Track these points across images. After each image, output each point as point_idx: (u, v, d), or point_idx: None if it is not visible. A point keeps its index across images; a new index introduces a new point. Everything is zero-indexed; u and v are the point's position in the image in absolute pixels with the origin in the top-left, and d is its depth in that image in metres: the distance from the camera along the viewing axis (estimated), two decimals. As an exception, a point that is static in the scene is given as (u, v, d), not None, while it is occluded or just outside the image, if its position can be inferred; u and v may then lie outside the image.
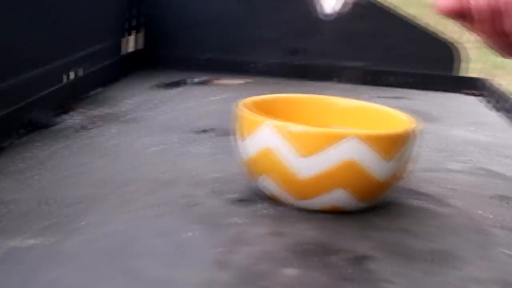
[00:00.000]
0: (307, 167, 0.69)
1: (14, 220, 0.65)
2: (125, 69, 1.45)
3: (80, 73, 1.22)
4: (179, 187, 0.78)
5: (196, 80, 1.41)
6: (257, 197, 0.75)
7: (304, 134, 0.69)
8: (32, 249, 0.59)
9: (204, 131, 1.04)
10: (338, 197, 0.70)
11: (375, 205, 0.75)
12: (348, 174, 0.69)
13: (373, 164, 0.69)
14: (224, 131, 1.03)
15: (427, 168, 0.93)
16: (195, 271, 0.57)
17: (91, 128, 1.02)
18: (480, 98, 1.43)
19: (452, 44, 1.47)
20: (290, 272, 0.58)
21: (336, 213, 0.72)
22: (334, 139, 0.68)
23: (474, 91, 1.46)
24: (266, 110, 0.81)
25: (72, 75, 1.20)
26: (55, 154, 0.88)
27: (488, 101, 1.39)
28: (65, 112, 1.11)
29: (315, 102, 0.86)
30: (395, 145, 0.70)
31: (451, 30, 1.35)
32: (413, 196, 0.81)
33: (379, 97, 1.34)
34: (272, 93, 0.86)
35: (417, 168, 0.81)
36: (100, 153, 0.90)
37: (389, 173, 0.71)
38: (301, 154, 0.69)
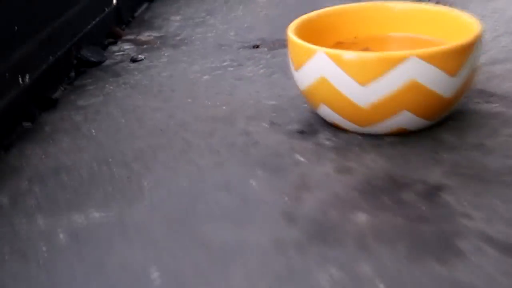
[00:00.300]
0: (368, 94, 0.65)
1: (77, 190, 0.65)
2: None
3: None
4: (237, 123, 0.75)
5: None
6: (318, 125, 0.72)
7: (360, 61, 0.65)
8: (98, 224, 0.59)
9: (256, 46, 1.00)
10: (403, 119, 0.67)
11: (443, 119, 0.71)
12: (412, 95, 0.65)
13: (437, 81, 0.65)
14: (277, 43, 0.99)
15: (496, 59, 0.87)
16: (262, 230, 0.56)
17: (141, 60, 0.99)
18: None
19: None
20: (361, 218, 0.56)
21: (402, 135, 0.68)
22: (393, 63, 0.63)
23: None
24: (319, 27, 0.78)
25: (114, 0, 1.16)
26: (108, 98, 0.86)
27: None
28: (114, 42, 1.09)
29: (371, 10, 0.80)
30: (459, 59, 0.65)
31: None
32: (483, 99, 0.76)
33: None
34: None
35: (485, 61, 0.75)
36: (153, 90, 0.87)
37: (455, 88, 0.66)
38: (360, 82, 0.65)
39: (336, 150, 0.68)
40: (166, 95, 0.85)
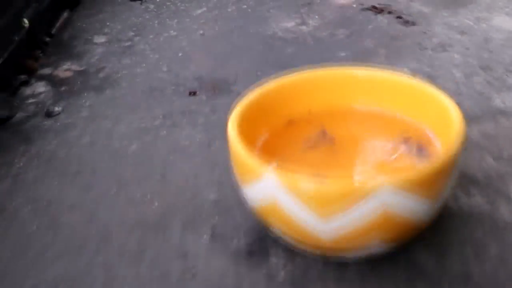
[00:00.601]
0: (330, 228, 0.53)
1: None
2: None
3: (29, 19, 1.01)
4: (171, 234, 0.62)
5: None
6: (270, 240, 0.60)
7: (319, 193, 0.52)
8: None
9: (193, 93, 0.85)
10: (372, 248, 0.55)
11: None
12: (384, 226, 0.53)
13: (414, 209, 0.53)
14: (217, 87, 0.86)
15: (472, 116, 0.75)
16: None
17: (57, 114, 0.84)
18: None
19: None
20: None
21: (371, 262, 0.57)
22: (360, 195, 0.51)
23: None
24: (268, 104, 0.65)
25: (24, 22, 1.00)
26: (17, 183, 0.72)
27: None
28: (26, 82, 0.93)
29: (328, 78, 0.67)
30: (440, 182, 0.53)
31: None
32: (463, 189, 0.64)
33: None
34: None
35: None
36: (70, 170, 0.73)
37: (434, 210, 0.55)
38: (320, 215, 0.52)
39: (292, 284, 0.55)
40: (86, 179, 0.71)
